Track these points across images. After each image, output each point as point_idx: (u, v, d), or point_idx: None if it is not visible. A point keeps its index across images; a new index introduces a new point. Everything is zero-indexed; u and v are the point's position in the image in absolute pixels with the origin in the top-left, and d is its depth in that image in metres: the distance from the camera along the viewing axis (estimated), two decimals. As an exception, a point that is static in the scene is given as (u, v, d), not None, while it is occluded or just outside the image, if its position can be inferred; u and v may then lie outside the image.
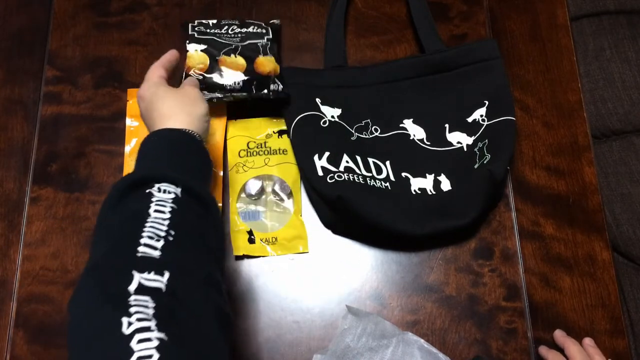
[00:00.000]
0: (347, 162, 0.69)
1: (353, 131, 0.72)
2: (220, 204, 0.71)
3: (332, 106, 0.72)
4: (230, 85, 0.71)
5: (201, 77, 0.71)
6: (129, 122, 0.75)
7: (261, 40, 0.74)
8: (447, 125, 0.73)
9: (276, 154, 0.73)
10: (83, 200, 0.73)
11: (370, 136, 0.72)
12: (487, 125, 0.72)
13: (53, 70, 0.79)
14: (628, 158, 0.97)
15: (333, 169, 0.68)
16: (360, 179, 0.68)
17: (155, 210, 0.47)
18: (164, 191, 0.49)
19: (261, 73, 0.71)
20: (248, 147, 0.74)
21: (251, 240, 0.70)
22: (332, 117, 0.71)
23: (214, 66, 0.71)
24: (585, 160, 0.74)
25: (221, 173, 0.73)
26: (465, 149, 0.72)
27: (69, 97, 0.78)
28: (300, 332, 0.68)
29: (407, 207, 0.68)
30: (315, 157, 0.68)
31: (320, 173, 0.68)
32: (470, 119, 0.72)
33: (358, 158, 0.70)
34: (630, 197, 0.95)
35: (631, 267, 0.95)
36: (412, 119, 0.73)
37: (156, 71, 0.65)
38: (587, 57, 1.02)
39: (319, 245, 0.71)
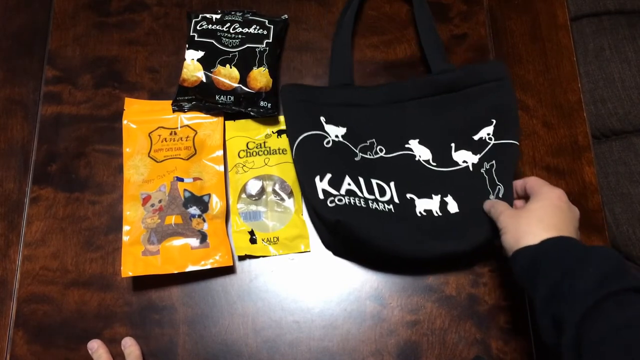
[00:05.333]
0: (349, 184, 0.67)
1: (357, 151, 0.70)
2: (223, 203, 0.71)
3: (337, 125, 0.70)
4: (222, 100, 0.73)
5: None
6: (126, 122, 0.75)
7: (260, 45, 0.75)
8: (453, 145, 0.71)
9: (276, 153, 0.73)
10: (83, 200, 0.73)
11: (375, 156, 0.70)
12: (494, 144, 0.70)
13: (53, 70, 0.79)
14: (628, 158, 0.97)
15: (334, 192, 0.66)
16: (362, 202, 0.66)
17: None
18: None
19: (252, 88, 0.73)
20: (247, 147, 0.74)
21: (253, 241, 0.70)
22: (337, 136, 0.70)
23: (207, 79, 0.73)
24: (585, 160, 0.74)
25: (222, 168, 0.73)
26: (471, 169, 0.70)
27: (69, 97, 0.78)
28: (300, 332, 0.68)
29: (412, 230, 0.66)
30: (317, 179, 0.66)
31: (321, 196, 0.65)
32: (476, 137, 0.71)
33: (361, 180, 0.68)
34: (630, 197, 0.95)
35: (631, 267, 0.95)
36: (418, 140, 0.71)
37: None
38: (587, 57, 1.02)
39: (319, 244, 0.71)
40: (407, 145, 0.71)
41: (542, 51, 0.79)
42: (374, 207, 0.66)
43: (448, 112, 0.72)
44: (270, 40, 0.76)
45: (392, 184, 0.69)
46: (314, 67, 0.79)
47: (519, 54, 0.79)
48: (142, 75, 0.78)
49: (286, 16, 0.79)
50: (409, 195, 0.69)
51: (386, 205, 0.67)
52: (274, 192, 0.72)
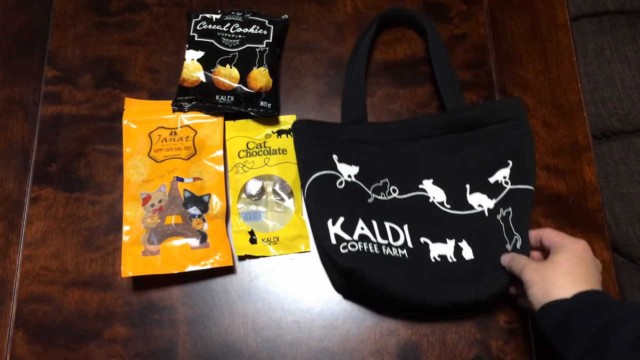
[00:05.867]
0: (362, 228, 0.65)
1: (370, 192, 0.68)
2: (223, 203, 0.71)
3: (350, 163, 0.69)
4: (222, 100, 0.73)
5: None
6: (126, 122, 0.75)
7: (260, 45, 0.75)
8: (468, 186, 0.69)
9: (276, 153, 0.73)
10: (83, 200, 0.73)
11: (389, 197, 0.68)
12: (510, 189, 0.68)
13: (53, 70, 0.79)
14: (628, 158, 0.97)
15: (347, 237, 0.64)
16: (376, 248, 0.64)
17: None
18: None
19: (253, 88, 0.73)
20: (247, 147, 0.74)
21: (253, 241, 0.70)
22: (349, 176, 0.68)
23: (207, 79, 0.73)
24: (585, 160, 0.74)
25: (222, 168, 0.73)
26: (486, 214, 0.68)
27: (69, 97, 0.78)
28: (300, 332, 0.68)
29: (425, 276, 0.64)
30: (329, 223, 0.64)
31: (333, 241, 0.64)
32: (492, 179, 0.69)
33: (374, 223, 0.66)
34: (630, 197, 0.95)
35: (631, 267, 0.95)
36: (432, 180, 0.69)
37: None
38: (587, 57, 1.02)
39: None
40: (420, 186, 0.69)
41: (542, 51, 0.79)
42: (387, 253, 0.64)
43: (463, 151, 0.70)
44: (270, 40, 0.76)
45: (405, 227, 0.67)
46: (314, 67, 0.79)
47: (519, 54, 0.79)
48: (142, 75, 0.79)
49: (286, 16, 0.79)
50: (423, 239, 0.67)
51: (400, 251, 0.65)
52: (274, 192, 0.72)
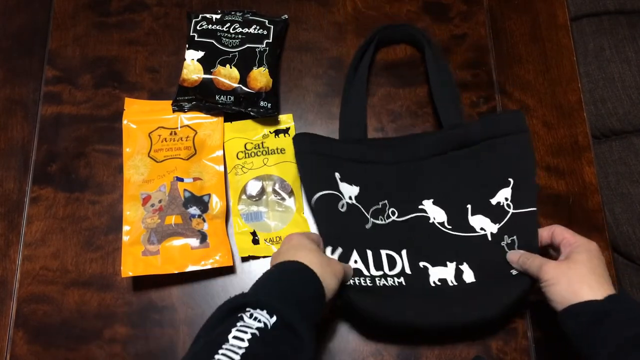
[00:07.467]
0: (355, 261, 0.65)
1: (369, 216, 0.67)
2: (223, 203, 0.71)
3: (351, 183, 0.68)
4: (222, 100, 0.73)
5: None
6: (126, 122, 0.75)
7: (260, 46, 0.75)
8: (469, 207, 0.68)
9: (274, 153, 0.73)
10: (83, 200, 0.73)
11: (387, 220, 0.68)
12: (513, 213, 0.67)
13: (53, 70, 0.79)
14: (628, 158, 0.97)
15: None
16: (368, 281, 0.64)
17: (234, 337, 0.46)
18: (254, 318, 0.48)
19: (253, 88, 0.73)
20: (246, 148, 0.74)
21: (255, 241, 0.70)
22: (350, 198, 0.67)
23: (207, 79, 0.73)
24: (585, 160, 0.74)
25: (222, 168, 0.73)
26: (489, 238, 0.67)
27: (69, 97, 0.78)
28: (300, 332, 0.68)
29: (424, 302, 0.63)
30: (328, 251, 0.65)
31: None
32: (494, 201, 0.67)
33: (369, 253, 0.65)
34: (630, 197, 0.95)
35: (631, 267, 0.95)
36: (432, 200, 0.68)
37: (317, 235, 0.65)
38: (587, 57, 1.02)
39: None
40: (420, 207, 0.68)
41: (542, 51, 0.79)
42: (381, 284, 0.64)
43: (462, 168, 0.69)
44: (270, 40, 0.76)
45: (404, 252, 0.66)
46: (314, 67, 0.79)
47: (519, 54, 0.79)
48: (142, 75, 0.79)
49: (286, 16, 0.79)
50: (422, 264, 0.66)
51: (396, 279, 0.65)
52: (274, 191, 0.72)
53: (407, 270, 0.65)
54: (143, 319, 0.69)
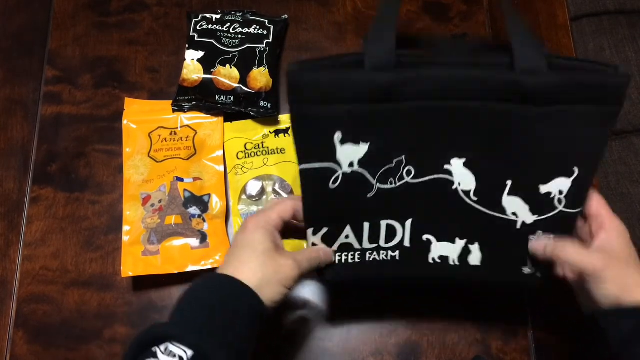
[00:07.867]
0: (346, 237, 0.56)
1: (374, 182, 0.54)
2: (223, 203, 0.71)
3: (358, 141, 0.51)
4: (222, 100, 0.73)
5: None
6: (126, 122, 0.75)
7: (260, 46, 0.75)
8: (509, 183, 0.53)
9: (274, 153, 0.74)
10: (83, 200, 0.73)
11: (399, 183, 0.54)
12: (561, 212, 0.54)
13: (53, 70, 0.79)
14: (628, 158, 0.97)
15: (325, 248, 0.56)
16: (357, 257, 0.57)
17: None
18: (169, 353, 0.44)
19: (253, 88, 0.73)
20: (245, 148, 0.74)
21: (254, 241, 0.70)
22: (351, 164, 0.52)
23: (207, 79, 0.74)
24: (585, 160, 0.74)
25: (222, 168, 0.73)
26: (518, 226, 0.54)
27: (69, 97, 0.78)
28: (301, 332, 0.68)
29: (417, 276, 0.58)
30: (309, 232, 0.56)
31: None
32: (544, 189, 0.53)
33: (366, 226, 0.55)
34: (630, 197, 0.95)
35: (631, 267, 0.95)
36: (464, 160, 0.53)
37: (278, 215, 0.55)
38: (587, 57, 1.02)
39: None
40: (446, 166, 0.53)
41: (542, 51, 0.79)
42: (371, 259, 0.57)
43: (521, 132, 0.51)
44: (270, 40, 0.76)
45: (408, 222, 0.56)
46: (314, 67, 0.79)
47: (519, 54, 0.79)
48: (142, 75, 0.79)
49: (286, 16, 0.79)
50: (425, 237, 0.56)
51: (390, 253, 0.57)
52: (275, 191, 0.72)
53: (406, 243, 0.56)
54: (143, 319, 0.69)
